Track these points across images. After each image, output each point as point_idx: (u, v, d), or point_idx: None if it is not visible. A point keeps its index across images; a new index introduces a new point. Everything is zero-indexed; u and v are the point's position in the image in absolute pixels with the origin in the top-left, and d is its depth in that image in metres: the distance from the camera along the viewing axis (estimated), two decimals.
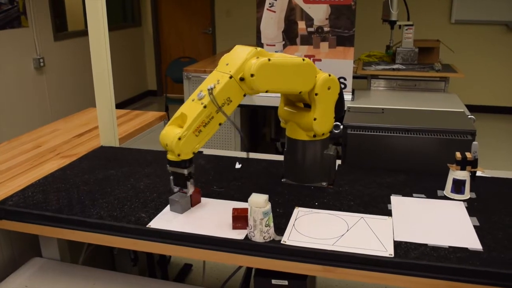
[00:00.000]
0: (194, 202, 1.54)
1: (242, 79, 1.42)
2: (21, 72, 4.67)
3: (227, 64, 1.46)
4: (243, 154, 2.07)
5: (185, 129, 1.38)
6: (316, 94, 1.55)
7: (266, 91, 1.45)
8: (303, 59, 1.50)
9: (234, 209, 1.39)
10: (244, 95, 1.47)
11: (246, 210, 1.35)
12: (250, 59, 1.42)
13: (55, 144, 2.24)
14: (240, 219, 1.37)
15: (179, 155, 1.40)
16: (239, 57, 1.44)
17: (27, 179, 1.81)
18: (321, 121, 1.59)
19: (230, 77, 1.41)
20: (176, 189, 1.50)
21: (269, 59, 1.42)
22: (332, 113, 1.63)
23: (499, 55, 5.95)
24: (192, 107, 1.42)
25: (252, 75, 1.40)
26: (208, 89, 1.39)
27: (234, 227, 1.38)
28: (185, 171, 1.45)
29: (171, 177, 1.49)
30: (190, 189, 1.48)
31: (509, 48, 5.89)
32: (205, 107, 1.39)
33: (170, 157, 1.44)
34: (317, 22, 3.33)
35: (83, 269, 1.70)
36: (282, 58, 1.46)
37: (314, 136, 1.63)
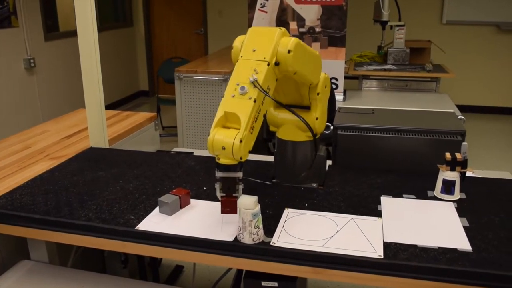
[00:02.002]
0: (183, 203, 1.53)
1: (277, 63, 1.37)
2: (11, 72, 4.63)
3: (254, 50, 1.38)
4: None
5: (243, 129, 1.27)
6: (318, 94, 1.58)
7: (295, 73, 1.40)
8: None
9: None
10: (276, 80, 1.42)
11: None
12: (281, 39, 1.38)
13: (44, 146, 2.22)
14: (229, 203, 1.34)
15: (241, 158, 1.28)
16: (267, 40, 1.38)
17: (15, 181, 1.79)
18: (322, 120, 1.62)
19: (268, 64, 1.35)
20: (223, 195, 1.36)
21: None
22: (326, 112, 1.65)
23: (490, 55, 5.99)
24: (239, 105, 1.31)
25: (289, 51, 1.35)
26: (252, 81, 1.32)
27: (223, 212, 1.34)
28: (240, 174, 1.34)
29: (217, 184, 1.35)
30: (240, 193, 1.36)
31: (500, 48, 5.93)
32: (254, 101, 1.30)
33: (224, 161, 1.31)
34: (309, 23, 3.33)
35: (72, 271, 1.68)
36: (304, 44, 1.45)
37: (315, 136, 1.64)
